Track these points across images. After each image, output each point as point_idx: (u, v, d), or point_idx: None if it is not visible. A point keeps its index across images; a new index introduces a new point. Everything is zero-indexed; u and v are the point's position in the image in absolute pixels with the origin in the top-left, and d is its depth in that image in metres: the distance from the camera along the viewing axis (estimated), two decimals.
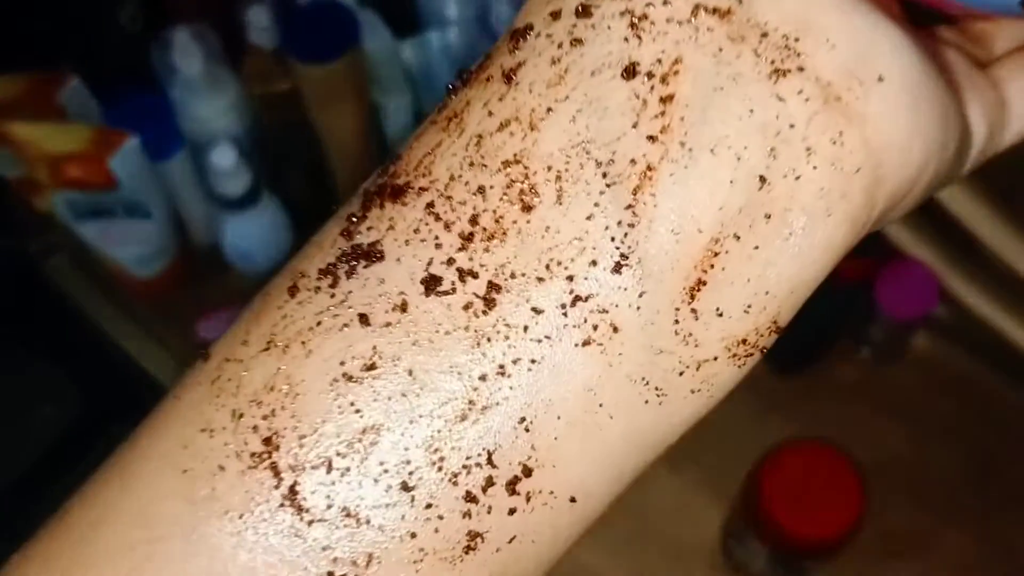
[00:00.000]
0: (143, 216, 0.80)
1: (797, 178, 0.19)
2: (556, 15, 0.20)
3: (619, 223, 0.19)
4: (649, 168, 0.19)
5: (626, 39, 0.19)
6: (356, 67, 0.75)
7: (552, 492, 0.20)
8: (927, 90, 0.20)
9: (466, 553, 0.19)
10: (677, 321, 0.19)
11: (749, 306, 0.20)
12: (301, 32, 0.75)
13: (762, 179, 0.19)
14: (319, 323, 0.19)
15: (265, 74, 0.79)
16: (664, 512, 0.80)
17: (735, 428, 0.84)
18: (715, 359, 0.20)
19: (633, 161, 0.19)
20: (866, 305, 0.83)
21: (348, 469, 0.19)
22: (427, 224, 0.19)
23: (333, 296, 0.19)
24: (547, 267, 0.19)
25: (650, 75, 0.19)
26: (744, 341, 0.20)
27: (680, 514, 0.80)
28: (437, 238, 0.19)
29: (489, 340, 0.19)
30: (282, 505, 0.19)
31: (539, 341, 0.19)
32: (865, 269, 0.80)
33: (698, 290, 0.19)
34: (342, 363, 0.19)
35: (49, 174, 0.76)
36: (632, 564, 0.79)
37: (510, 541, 0.20)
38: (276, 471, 0.19)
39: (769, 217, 0.19)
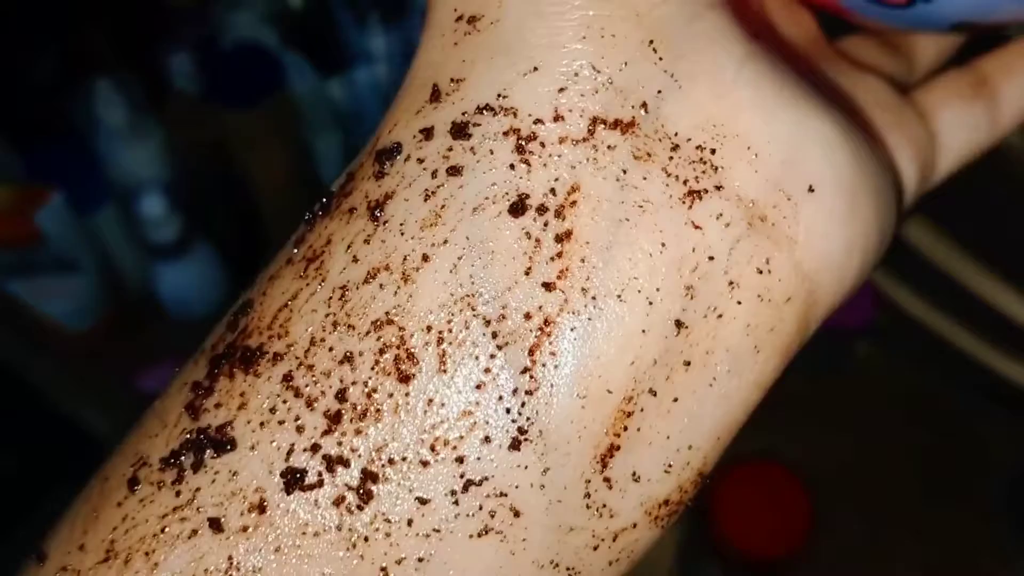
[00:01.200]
0: (72, 270, 0.79)
1: (719, 317, 0.17)
2: (428, 133, 0.17)
3: (514, 391, 0.16)
4: (547, 323, 0.16)
5: (512, 166, 0.17)
6: (282, 109, 0.74)
7: None
8: (864, 185, 0.19)
9: None
10: (588, 495, 0.17)
11: (670, 465, 0.18)
12: (225, 78, 0.74)
13: (679, 324, 0.17)
14: (164, 529, 0.17)
15: (191, 119, 0.78)
16: None
17: None
18: (634, 526, 0.18)
19: (528, 316, 0.16)
20: None
21: None
22: (285, 401, 0.17)
23: (179, 495, 0.17)
24: (432, 448, 0.16)
25: (542, 209, 0.17)
26: (666, 502, 0.18)
27: None
28: (298, 419, 0.17)
29: (367, 540, 0.16)
30: None
31: (427, 536, 0.16)
32: None
33: (610, 457, 0.17)
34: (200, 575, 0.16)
35: None
36: None
37: None
38: None
39: (689, 364, 0.17)
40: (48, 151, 0.79)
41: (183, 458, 0.17)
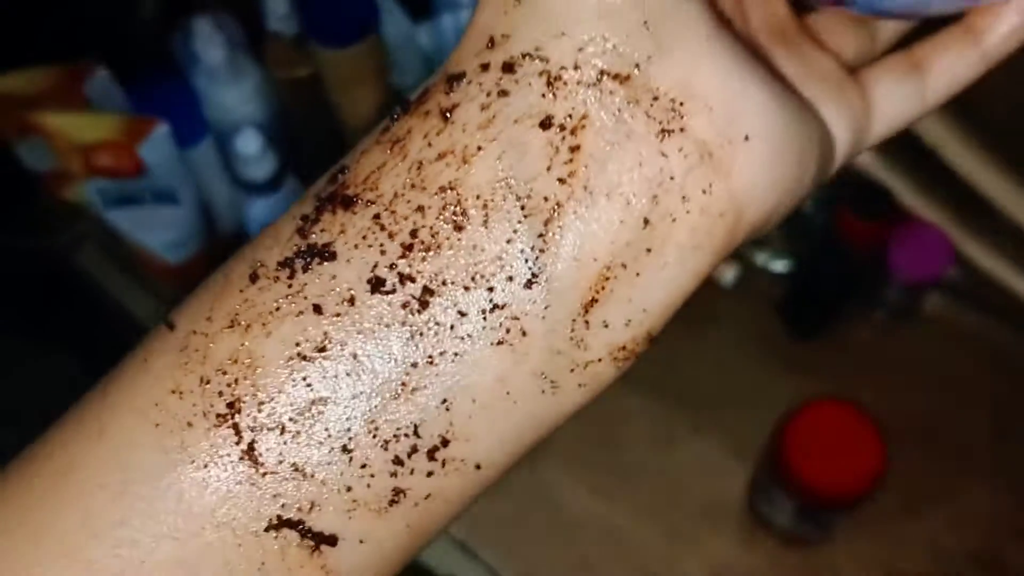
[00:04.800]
0: (172, 202, 0.82)
1: (673, 220, 0.24)
2: (485, 67, 0.24)
3: (532, 248, 0.23)
4: (558, 205, 0.23)
5: (543, 95, 0.23)
6: (375, 51, 0.77)
7: (463, 460, 0.24)
8: (787, 142, 0.25)
9: (390, 506, 0.23)
10: (573, 330, 0.23)
11: (629, 320, 0.24)
12: (321, 17, 0.77)
13: (646, 221, 0.23)
14: (278, 308, 0.23)
15: (286, 60, 0.80)
16: (690, 473, 0.82)
17: (756, 392, 0.86)
18: (599, 361, 0.24)
19: (546, 198, 0.23)
20: (880, 269, 0.85)
21: (298, 433, 0.22)
22: (374, 232, 0.23)
23: (291, 286, 0.23)
24: (472, 279, 0.23)
25: (562, 127, 0.23)
26: (623, 348, 0.24)
27: (705, 474, 0.82)
28: (382, 245, 0.23)
29: (422, 335, 0.23)
30: (242, 459, 0.22)
31: (462, 339, 0.23)
32: (878, 233, 0.81)
33: (591, 306, 0.23)
34: (297, 344, 0.22)
35: (80, 163, 0.77)
36: (661, 524, 0.81)
37: (426, 498, 0.24)
38: (237, 430, 0.22)
39: (650, 251, 0.24)
40: (150, 87, 0.82)
41: (295, 263, 0.23)
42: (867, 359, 0.89)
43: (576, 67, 0.23)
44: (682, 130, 0.24)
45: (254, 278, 0.23)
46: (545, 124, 0.23)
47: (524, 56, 0.24)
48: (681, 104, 0.24)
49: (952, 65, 0.31)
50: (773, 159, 0.25)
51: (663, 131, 0.24)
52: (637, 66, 0.24)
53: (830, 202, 0.85)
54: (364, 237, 0.23)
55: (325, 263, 0.23)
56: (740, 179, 0.24)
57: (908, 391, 0.85)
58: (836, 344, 0.89)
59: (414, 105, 0.24)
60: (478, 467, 0.24)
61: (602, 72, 0.23)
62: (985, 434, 0.84)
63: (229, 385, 0.22)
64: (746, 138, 0.24)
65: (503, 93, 0.23)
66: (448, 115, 0.23)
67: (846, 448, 0.71)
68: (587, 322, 0.23)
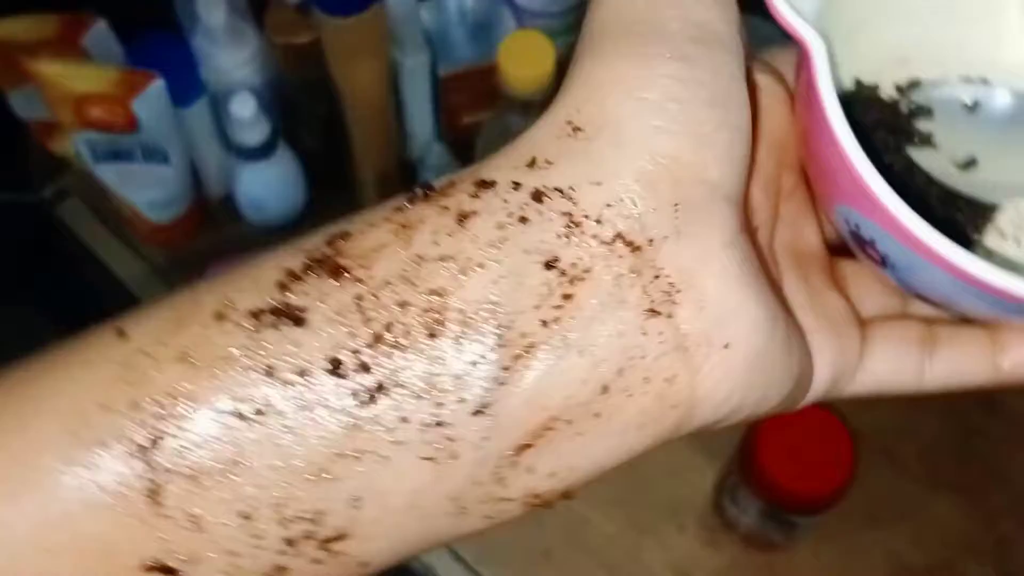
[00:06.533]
0: (161, 160, 0.81)
1: (629, 396, 0.24)
2: (517, 186, 0.24)
3: (494, 379, 0.23)
4: (532, 345, 0.23)
5: (558, 236, 0.23)
6: (378, 23, 0.77)
7: (352, 556, 0.23)
8: (764, 361, 0.25)
9: None
10: (499, 467, 0.23)
11: (554, 473, 0.24)
12: None
13: (605, 388, 0.23)
14: (232, 357, 0.22)
15: (287, 26, 0.80)
16: (658, 469, 0.82)
17: None
18: (511, 500, 0.24)
19: (523, 334, 0.23)
20: None
21: (208, 486, 0.22)
22: (351, 312, 0.22)
23: (252, 340, 0.22)
24: (426, 389, 0.22)
25: (563, 273, 0.23)
26: (538, 496, 0.24)
27: (673, 471, 0.82)
28: (354, 328, 0.22)
29: (359, 428, 0.22)
30: (144, 494, 0.22)
31: (395, 444, 0.22)
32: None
33: (525, 450, 0.23)
34: (238, 400, 0.22)
35: (72, 115, 0.77)
36: (626, 517, 0.81)
37: None
38: (150, 466, 0.22)
39: (598, 416, 0.24)
40: (149, 43, 0.81)
41: (264, 316, 0.22)
42: None
43: (598, 221, 0.23)
44: (669, 316, 0.24)
45: (220, 317, 0.23)
46: (550, 264, 0.23)
47: (556, 191, 0.24)
48: (678, 291, 0.24)
49: (962, 362, 0.31)
50: (743, 372, 0.25)
51: (652, 311, 0.24)
52: (651, 241, 0.24)
53: None
54: (340, 314, 0.22)
55: (294, 327, 0.22)
56: (705, 381, 0.24)
57: (880, 402, 0.86)
58: None
59: (436, 194, 0.24)
60: (363, 565, 0.24)
61: (619, 235, 0.24)
62: (952, 450, 0.85)
63: (157, 418, 0.22)
64: (725, 346, 0.24)
65: (523, 220, 0.23)
66: (464, 221, 0.23)
67: (817, 453, 0.72)
68: (514, 463, 0.23)
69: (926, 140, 0.33)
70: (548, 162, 0.24)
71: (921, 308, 0.32)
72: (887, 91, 0.33)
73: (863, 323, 0.31)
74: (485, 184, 0.24)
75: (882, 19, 0.33)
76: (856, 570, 0.81)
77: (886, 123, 0.32)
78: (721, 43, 0.25)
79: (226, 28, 0.79)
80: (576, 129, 0.25)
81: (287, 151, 0.85)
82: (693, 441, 0.83)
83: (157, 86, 0.76)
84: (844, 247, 0.31)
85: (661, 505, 0.82)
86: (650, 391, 0.24)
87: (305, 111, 0.87)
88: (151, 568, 0.22)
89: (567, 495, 0.25)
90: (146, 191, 0.84)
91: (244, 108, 0.79)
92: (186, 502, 0.22)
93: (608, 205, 0.24)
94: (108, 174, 0.83)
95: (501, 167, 0.25)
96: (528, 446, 0.23)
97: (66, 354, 0.23)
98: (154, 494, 0.22)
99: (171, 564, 0.22)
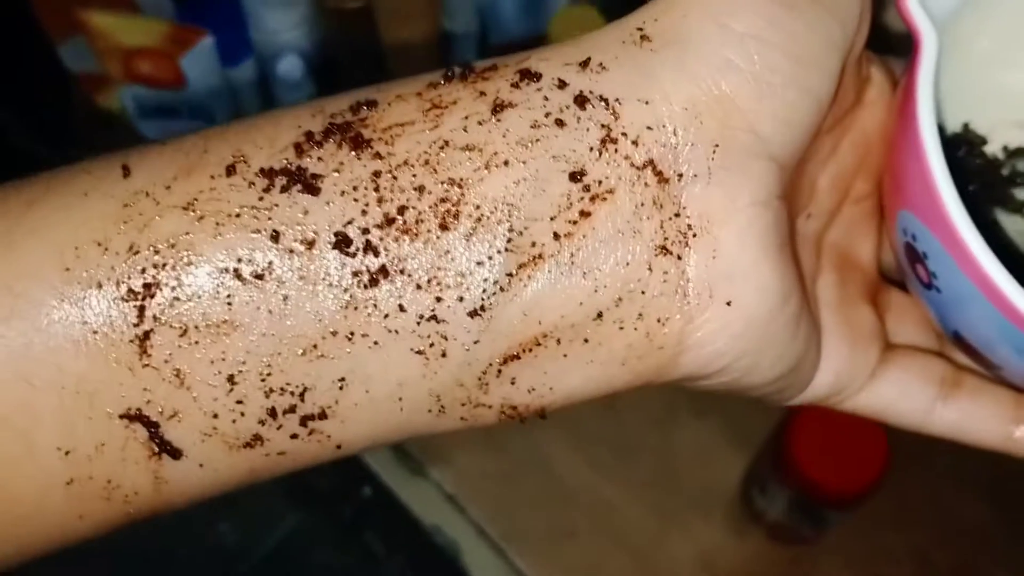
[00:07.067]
0: (206, 119, 0.81)
1: (620, 328, 0.23)
2: (562, 84, 0.23)
3: (495, 282, 0.22)
4: (539, 257, 0.22)
5: (591, 148, 0.23)
6: None
7: (329, 436, 0.23)
8: (762, 333, 0.24)
9: (244, 447, 0.22)
10: (485, 372, 0.23)
11: (533, 389, 0.24)
12: None
13: (600, 314, 0.23)
14: (238, 215, 0.21)
15: None
16: (688, 456, 0.82)
17: None
18: (489, 408, 0.24)
19: (533, 243, 0.22)
20: None
21: (196, 342, 0.21)
22: (366, 188, 0.22)
23: (261, 200, 0.21)
24: (428, 281, 0.22)
25: (587, 188, 0.22)
26: (515, 408, 0.24)
27: (703, 459, 0.82)
28: (367, 206, 0.22)
29: (356, 309, 0.22)
30: (132, 341, 0.21)
31: (389, 332, 0.22)
32: None
33: (511, 360, 0.23)
34: (239, 260, 0.21)
35: (120, 68, 0.77)
36: (653, 503, 0.80)
37: (279, 453, 0.23)
38: (141, 314, 0.21)
39: (587, 341, 0.23)
40: (199, 0, 0.81)
41: (277, 178, 0.22)
42: None
43: (635, 142, 0.23)
44: (679, 257, 0.23)
45: (230, 171, 0.22)
46: (575, 176, 0.22)
47: (601, 100, 0.23)
48: (693, 235, 0.23)
49: (977, 417, 0.30)
50: (738, 334, 0.24)
51: (663, 248, 0.23)
52: (680, 176, 0.23)
53: None
54: (355, 188, 0.22)
55: (305, 194, 0.22)
56: (696, 331, 0.24)
57: None
58: None
59: (475, 76, 0.23)
60: (338, 447, 0.23)
61: (651, 161, 0.23)
62: (985, 454, 0.84)
63: (155, 266, 0.21)
64: (728, 303, 0.24)
65: (559, 123, 0.23)
66: (498, 111, 0.23)
67: (851, 447, 0.71)
68: (499, 371, 0.23)
69: (1018, 209, 0.32)
70: (602, 66, 0.23)
71: (954, 354, 0.31)
72: (994, 148, 0.32)
73: (888, 346, 0.30)
74: (529, 75, 0.23)
75: (1016, 77, 0.31)
76: (881, 568, 0.80)
77: (983, 177, 0.31)
78: (834, 6, 0.24)
79: None
80: (644, 38, 0.24)
81: None
82: (723, 429, 0.82)
83: (206, 43, 0.76)
84: (897, 281, 0.30)
85: (688, 493, 0.81)
86: (640, 327, 0.23)
87: (352, 77, 0.86)
88: (132, 417, 0.22)
89: (541, 414, 0.24)
90: None
91: (292, 70, 0.78)
92: (173, 356, 0.21)
93: (648, 128, 0.23)
94: (152, 130, 0.83)
95: (551, 61, 0.23)
96: (515, 357, 0.23)
97: (66, 181, 0.22)
98: (142, 343, 0.21)
99: (151, 416, 0.22)
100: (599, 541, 0.80)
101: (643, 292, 0.23)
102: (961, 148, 0.32)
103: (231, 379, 0.22)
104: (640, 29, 0.24)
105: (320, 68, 0.83)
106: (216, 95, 0.80)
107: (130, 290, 0.21)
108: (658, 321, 0.23)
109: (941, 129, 0.25)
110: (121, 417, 0.21)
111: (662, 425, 0.83)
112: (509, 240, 0.22)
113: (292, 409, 0.22)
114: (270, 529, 0.82)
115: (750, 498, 0.79)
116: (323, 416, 0.23)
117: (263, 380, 0.22)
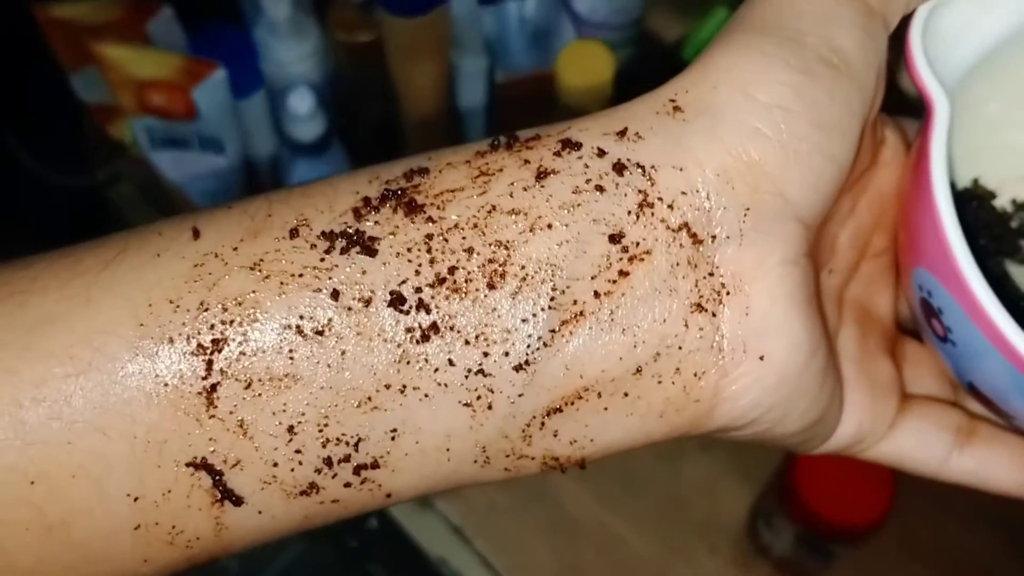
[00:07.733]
0: (217, 150, 0.82)
1: (659, 383, 0.24)
2: (600, 153, 0.24)
3: (539, 338, 0.23)
4: (581, 314, 0.23)
5: (629, 212, 0.24)
6: (441, 25, 0.77)
7: (380, 485, 0.24)
8: (792, 386, 0.25)
9: (301, 495, 0.23)
10: (528, 424, 0.24)
11: (575, 441, 0.25)
12: None
13: (638, 369, 0.24)
14: (301, 275, 0.23)
15: (349, 23, 0.80)
16: (694, 491, 0.81)
17: None
18: (532, 459, 0.25)
19: (575, 301, 0.23)
20: None
21: (259, 395, 0.22)
22: (420, 250, 0.23)
23: (322, 260, 0.23)
24: (476, 337, 0.23)
25: (625, 249, 0.24)
26: (556, 459, 0.25)
27: (709, 493, 0.82)
28: (420, 266, 0.23)
29: (408, 363, 0.23)
30: (200, 394, 0.22)
31: (439, 385, 0.23)
32: None
33: (554, 413, 0.24)
34: (301, 317, 0.22)
35: (133, 99, 0.78)
36: (659, 537, 0.80)
37: (333, 501, 0.24)
38: (210, 368, 0.22)
39: (626, 395, 0.24)
40: (212, 32, 0.82)
41: (337, 240, 0.23)
42: None
43: (671, 206, 0.24)
44: (713, 315, 0.24)
45: (294, 234, 0.23)
46: (614, 238, 0.23)
47: (638, 167, 0.24)
48: (727, 293, 0.24)
49: (993, 464, 0.30)
50: (771, 387, 0.25)
51: (698, 305, 0.24)
52: (714, 238, 0.24)
53: None
54: (409, 250, 0.23)
55: (363, 255, 0.23)
56: (731, 385, 0.25)
57: None
58: None
59: (520, 145, 0.25)
60: (388, 496, 0.24)
61: (686, 224, 0.24)
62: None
63: (223, 323, 0.22)
64: (761, 357, 0.24)
65: (599, 188, 0.24)
66: (542, 178, 0.24)
67: (857, 481, 0.71)
68: (543, 424, 0.24)
69: None
70: (638, 135, 0.24)
71: (969, 403, 0.32)
72: (1003, 202, 0.33)
73: (906, 397, 0.31)
74: (570, 144, 0.24)
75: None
76: None
77: (992, 231, 0.32)
78: (852, 74, 0.25)
79: (289, 22, 0.80)
80: (676, 108, 0.25)
81: (341, 148, 0.85)
82: (730, 464, 0.82)
83: (218, 76, 0.77)
84: (912, 332, 0.30)
85: (695, 526, 0.81)
86: (678, 381, 0.24)
87: (361, 110, 0.87)
88: (197, 465, 0.23)
89: (581, 464, 0.25)
90: (199, 180, 0.84)
91: (302, 103, 0.79)
92: (238, 407, 0.22)
93: (683, 192, 0.24)
94: (163, 161, 0.83)
95: (590, 131, 0.25)
96: (558, 410, 0.24)
97: (139, 242, 0.23)
98: (209, 396, 0.22)
99: (215, 464, 0.23)
100: (605, 574, 0.80)
101: (680, 347, 0.24)
102: (972, 202, 0.32)
103: (291, 429, 0.23)
104: (672, 100, 0.25)
105: (330, 102, 0.84)
106: (227, 127, 0.81)
107: (199, 345, 0.22)
108: (695, 375, 0.24)
109: (952, 184, 0.25)
110: (187, 465, 0.22)
111: (669, 459, 0.83)
112: (552, 298, 0.23)
113: (347, 459, 0.23)
114: (274, 558, 0.82)
115: (756, 532, 0.79)
116: (375, 466, 0.23)
117: (320, 431, 0.23)
